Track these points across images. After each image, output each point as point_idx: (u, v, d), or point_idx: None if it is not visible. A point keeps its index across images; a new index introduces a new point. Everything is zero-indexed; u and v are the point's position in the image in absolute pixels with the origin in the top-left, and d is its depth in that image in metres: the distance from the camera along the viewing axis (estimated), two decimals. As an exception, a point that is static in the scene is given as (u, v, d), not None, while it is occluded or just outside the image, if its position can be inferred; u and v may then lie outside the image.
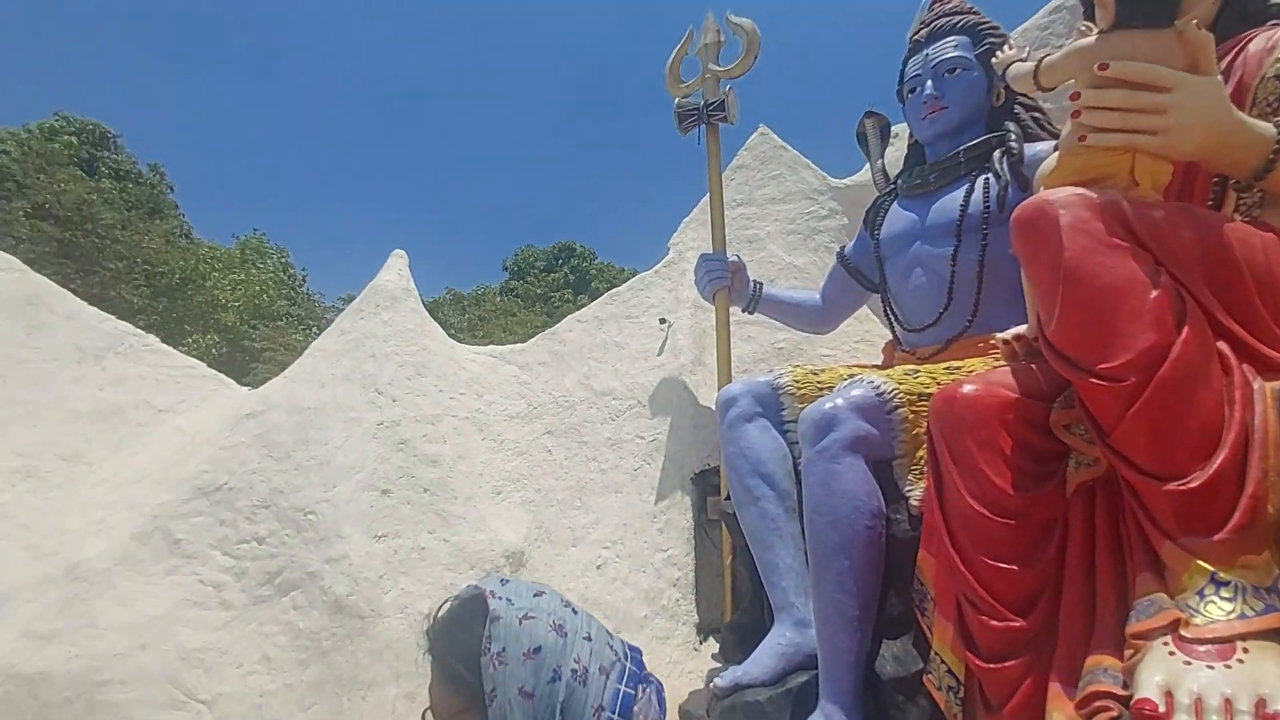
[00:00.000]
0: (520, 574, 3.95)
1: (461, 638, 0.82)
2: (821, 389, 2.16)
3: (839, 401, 1.83)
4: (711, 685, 2.02)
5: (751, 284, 3.44)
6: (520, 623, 0.81)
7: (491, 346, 5.42)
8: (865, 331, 3.99)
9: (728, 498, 2.58)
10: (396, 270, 5.12)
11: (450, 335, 5.35)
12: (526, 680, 0.78)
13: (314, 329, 14.10)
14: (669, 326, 4.46)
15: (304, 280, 15.21)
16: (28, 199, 9.54)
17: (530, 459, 4.44)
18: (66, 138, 11.90)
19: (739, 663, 2.04)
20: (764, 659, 1.99)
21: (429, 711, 0.83)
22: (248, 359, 9.92)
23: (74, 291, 4.88)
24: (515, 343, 5.70)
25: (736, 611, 2.89)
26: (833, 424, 1.80)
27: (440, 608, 0.89)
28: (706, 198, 3.93)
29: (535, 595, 0.87)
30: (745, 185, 4.71)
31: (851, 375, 2.05)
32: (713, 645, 3.31)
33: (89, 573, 3.28)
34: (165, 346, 4.76)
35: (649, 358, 4.40)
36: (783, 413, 2.25)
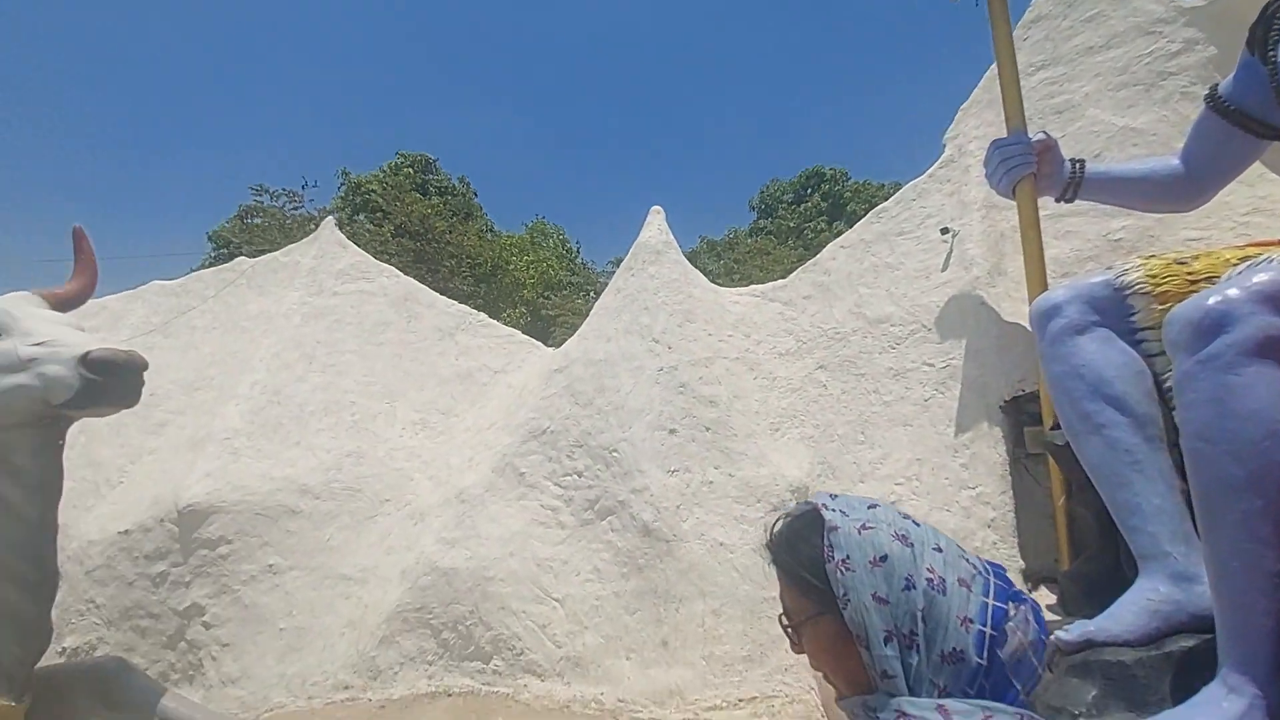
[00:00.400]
0: (807, 508, 4.00)
1: (801, 549, 0.87)
2: (1195, 282, 1.68)
3: (1233, 292, 1.38)
4: (1054, 636, 1.79)
5: (1067, 164, 2.80)
6: (859, 532, 0.82)
7: (753, 286, 5.44)
8: (1260, 199, 2.96)
9: (1055, 427, 2.20)
10: (656, 226, 5.44)
11: (711, 282, 5.53)
12: (879, 587, 0.79)
13: (591, 293, 16.02)
14: (953, 236, 3.92)
15: (578, 252, 17.43)
16: (391, 222, 12.67)
17: (805, 395, 4.40)
18: (406, 170, 15.42)
19: (1088, 616, 1.77)
20: (1128, 615, 1.68)
21: (783, 615, 0.90)
22: (546, 325, 11.79)
23: (429, 287, 6.28)
24: (774, 280, 5.64)
25: (1078, 558, 2.49)
26: (1225, 322, 1.37)
27: (775, 524, 0.95)
28: (989, 74, 3.29)
29: (870, 508, 0.88)
30: (1047, 41, 3.81)
31: (1246, 258, 1.54)
32: (1045, 595, 2.93)
33: (470, 498, 4.29)
34: (493, 321, 5.85)
35: (930, 275, 3.95)
36: (1133, 318, 1.81)
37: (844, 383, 4.12)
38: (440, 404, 5.13)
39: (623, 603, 3.83)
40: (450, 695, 3.79)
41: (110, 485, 4.49)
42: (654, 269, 5.07)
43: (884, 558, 0.79)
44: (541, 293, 12.44)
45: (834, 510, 0.86)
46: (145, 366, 2.88)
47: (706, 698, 3.52)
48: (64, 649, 3.91)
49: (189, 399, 4.86)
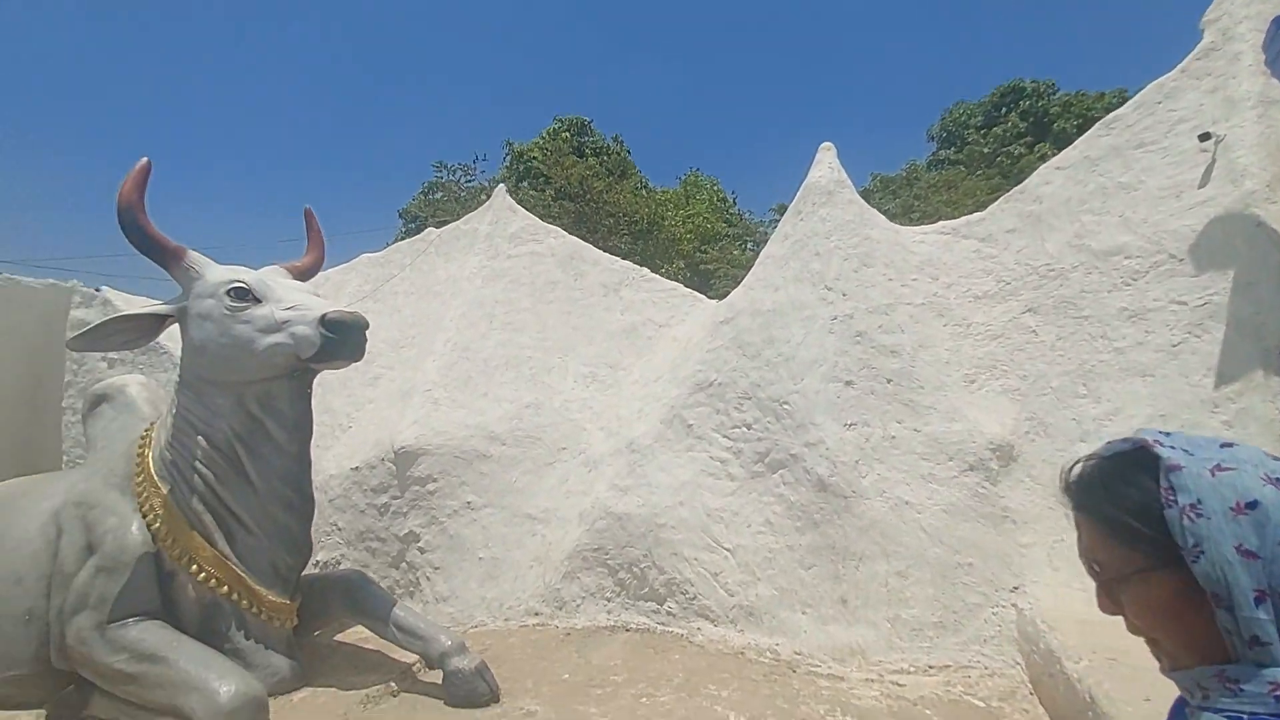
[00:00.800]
0: (1010, 469, 3.59)
1: (1125, 491, 0.74)
2: None
3: None
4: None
5: None
6: (1213, 474, 0.68)
7: (941, 223, 4.90)
8: None
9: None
10: (826, 164, 5.08)
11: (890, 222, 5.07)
12: (1246, 538, 0.65)
13: (749, 244, 15.61)
14: (1216, 143, 3.18)
15: (734, 202, 17.00)
16: (552, 186, 13.32)
17: (1008, 342, 3.91)
18: (563, 134, 16.03)
19: None
20: None
21: (1095, 564, 0.78)
22: (705, 278, 11.76)
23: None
24: (965, 214, 5.02)
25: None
26: None
27: (1075, 466, 0.82)
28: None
29: (1223, 446, 0.72)
30: None
31: None
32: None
33: (640, 448, 4.44)
34: (655, 276, 5.93)
35: (1183, 194, 3.25)
36: None
37: (1059, 327, 3.59)
38: (608, 357, 5.34)
39: (796, 556, 3.77)
40: (628, 630, 4.03)
41: (342, 429, 5.33)
42: (825, 211, 4.76)
43: (1253, 504, 0.64)
44: (698, 246, 12.38)
45: (1173, 448, 0.71)
46: (367, 325, 3.32)
47: (891, 660, 3.38)
48: (316, 562, 4.77)
49: (396, 355, 5.56)
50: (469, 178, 15.74)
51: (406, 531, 4.57)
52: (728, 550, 4.00)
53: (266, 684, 3.03)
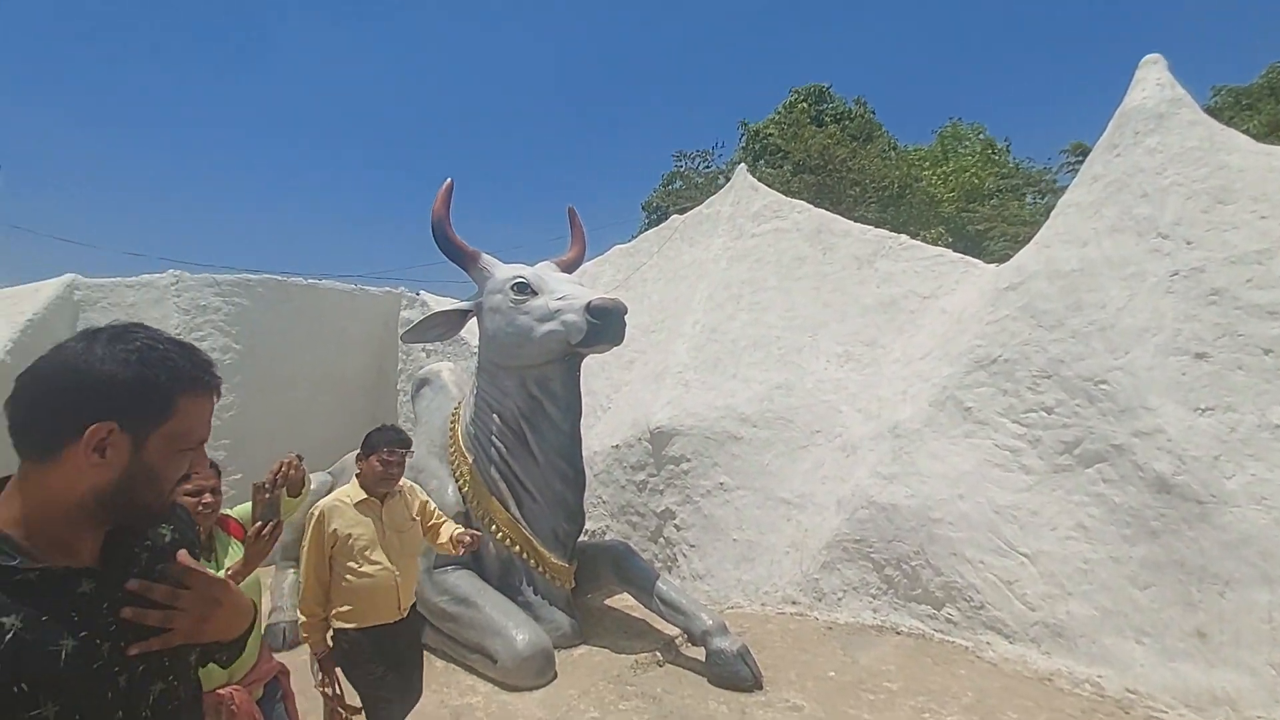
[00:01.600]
0: None
1: None
2: None
3: None
4: None
5: None
6: None
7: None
8: None
9: None
10: (1153, 82, 4.03)
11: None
12: None
13: (1030, 195, 13.25)
14: None
15: (1008, 150, 14.53)
16: (790, 161, 12.92)
17: None
18: (800, 105, 15.42)
19: None
20: None
21: None
22: (975, 241, 10.29)
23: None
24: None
25: None
26: None
27: None
28: None
29: None
30: None
31: None
32: None
33: (906, 432, 4.05)
34: (916, 242, 5.35)
35: None
36: None
37: None
38: (864, 335, 4.98)
39: (1126, 571, 3.07)
40: (899, 633, 3.72)
41: (603, 409, 5.83)
42: (1154, 140, 3.79)
43: None
44: (963, 206, 10.85)
45: None
46: (626, 310, 3.56)
47: (1276, 717, 2.57)
48: (585, 531, 5.31)
49: (648, 340, 5.89)
50: (706, 164, 16.08)
51: (663, 508, 4.83)
52: (1024, 556, 3.43)
53: (551, 637, 3.44)
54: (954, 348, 4.18)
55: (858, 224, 5.71)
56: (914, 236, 5.90)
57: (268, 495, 1.81)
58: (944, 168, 11.63)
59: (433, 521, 2.57)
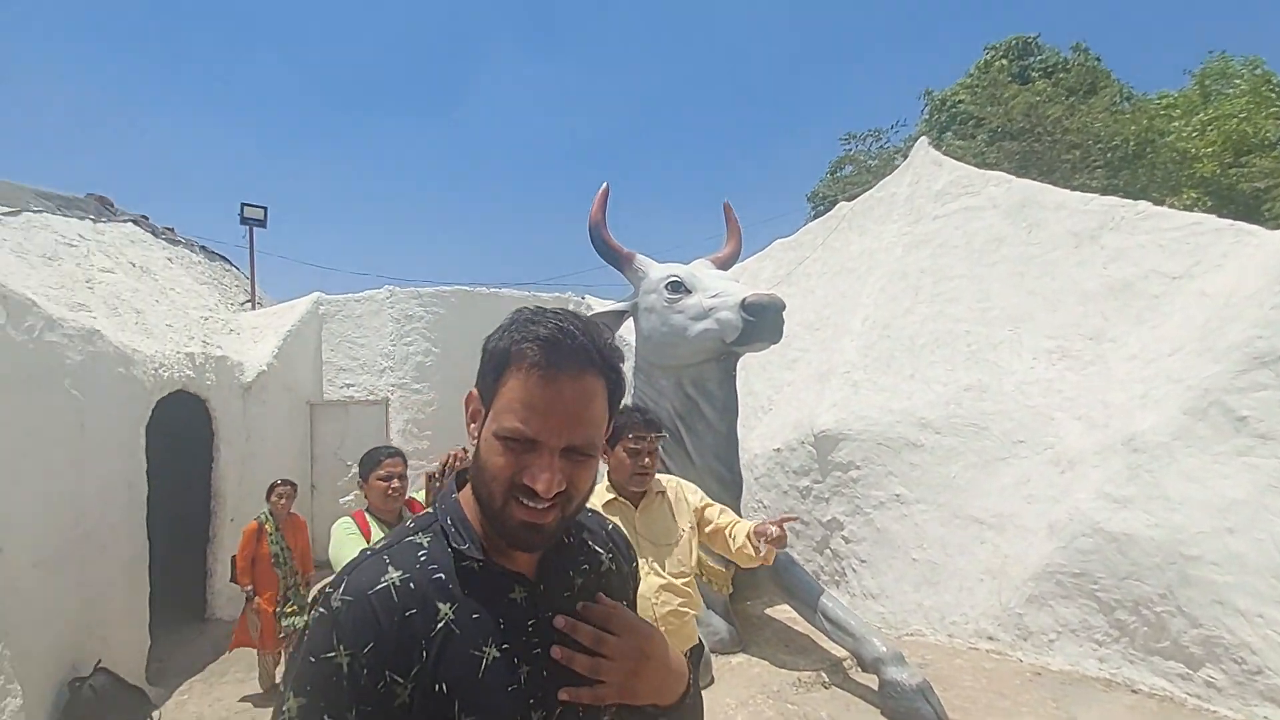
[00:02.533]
0: None
1: None
2: None
3: None
4: None
5: None
6: None
7: None
8: None
9: None
10: None
11: None
12: None
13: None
14: None
15: (1294, 86, 10.97)
16: (985, 129, 11.22)
17: None
18: (998, 63, 13.32)
19: None
20: None
21: None
22: (1245, 206, 8.00)
23: (1049, 185, 5.09)
24: None
25: None
26: None
27: None
28: None
29: None
30: None
31: None
32: None
33: (1147, 446, 3.22)
34: (1161, 209, 4.27)
35: None
36: None
37: None
38: (1084, 326, 4.08)
39: None
40: (1135, 692, 2.96)
41: (764, 410, 5.51)
42: None
43: None
44: (1228, 163, 8.44)
45: None
46: (784, 306, 3.26)
47: None
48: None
49: (812, 337, 5.44)
50: (880, 143, 14.66)
51: (830, 518, 4.41)
52: (1335, 617, 2.52)
53: (708, 642, 3.27)
54: (1220, 340, 3.23)
55: (1078, 194, 4.72)
56: (1158, 204, 4.72)
57: (439, 484, 1.86)
58: (1203, 115, 9.19)
59: (718, 524, 1.96)
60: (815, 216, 15.25)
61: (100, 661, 3.43)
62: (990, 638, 3.47)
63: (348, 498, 6.35)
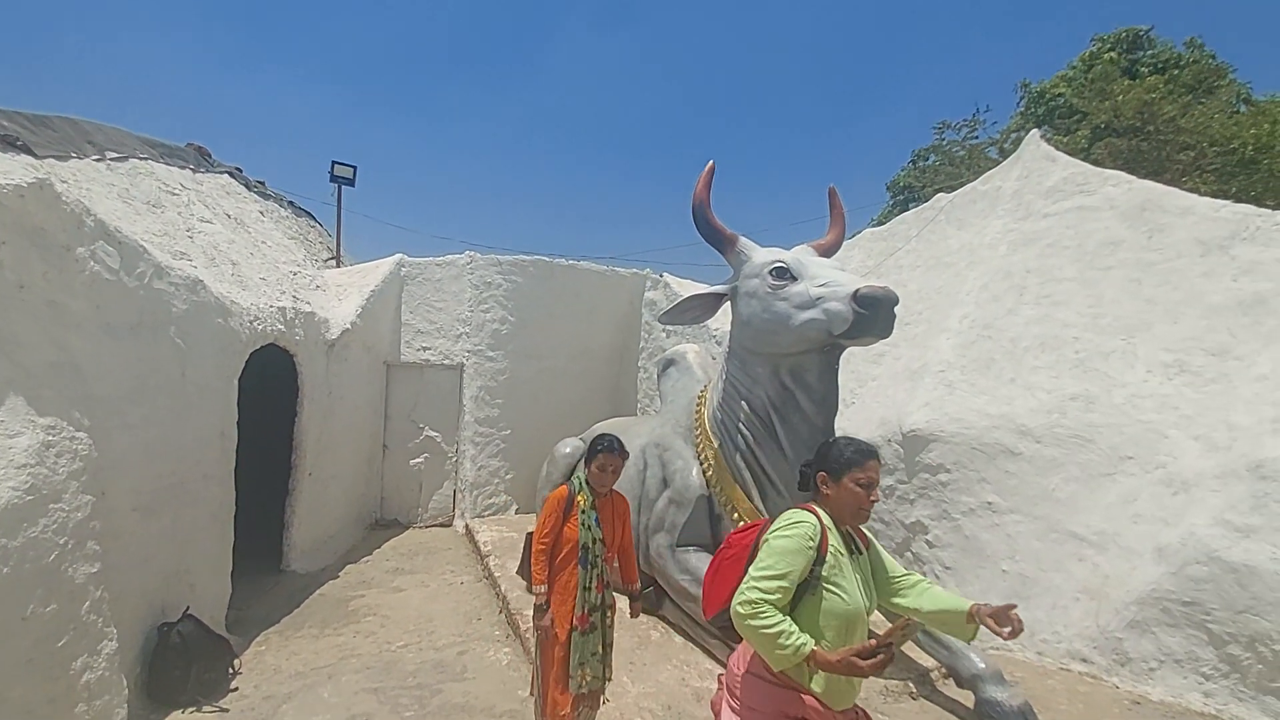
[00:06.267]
0: None
1: None
2: None
3: None
4: None
5: None
6: None
7: None
8: None
9: None
10: None
11: None
12: None
13: None
14: None
15: None
16: (1087, 124, 10.65)
17: None
18: (1106, 55, 12.58)
19: None
20: None
21: None
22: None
23: (1173, 187, 4.83)
24: None
25: None
26: None
27: None
28: None
29: None
30: None
31: None
32: None
33: (1277, 474, 3.07)
34: (1302, 218, 4.01)
35: None
36: None
37: None
38: (1207, 341, 3.89)
39: None
40: (1243, 731, 2.87)
41: (846, 404, 5.40)
42: None
43: None
44: None
45: None
46: (898, 301, 3.18)
47: None
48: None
49: (901, 333, 5.31)
50: (972, 134, 14.08)
51: (913, 520, 4.35)
52: None
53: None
54: (1372, 367, 3.04)
55: (1207, 199, 4.47)
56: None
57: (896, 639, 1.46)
58: (1331, 122, 8.52)
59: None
60: (896, 206, 14.82)
61: (189, 608, 3.49)
62: (1084, 659, 3.40)
63: (418, 460, 6.61)
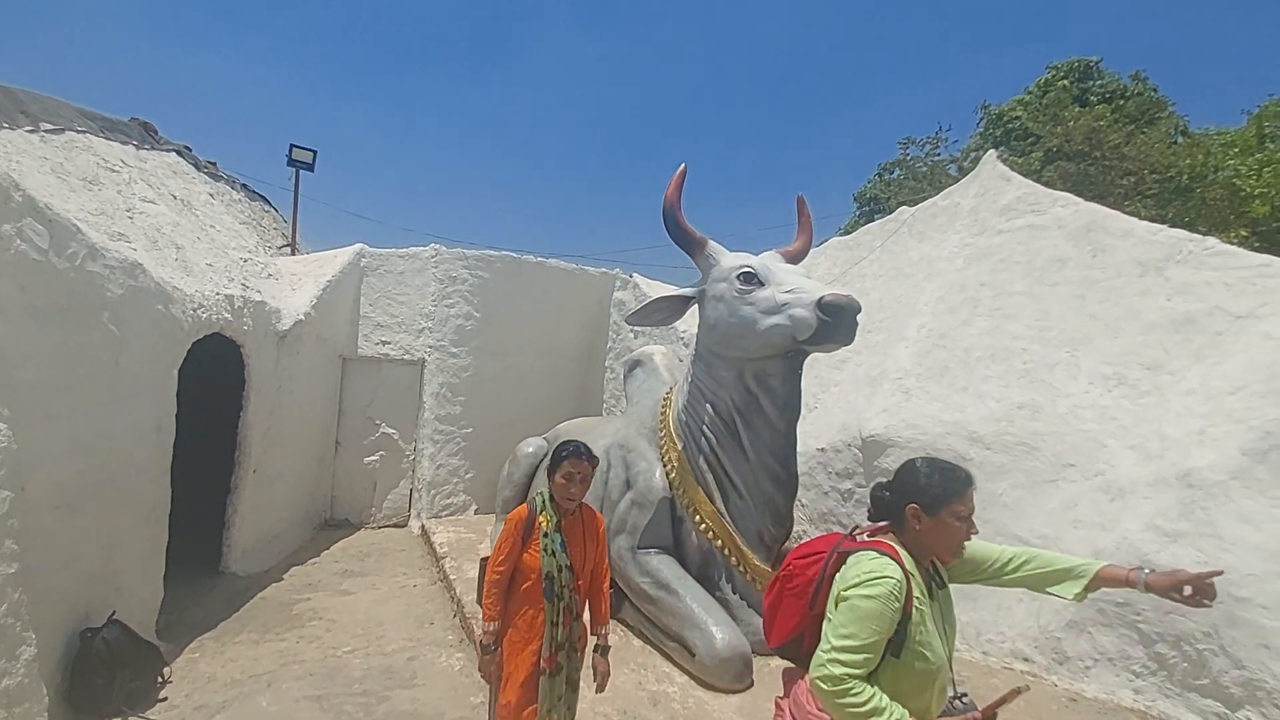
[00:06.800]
0: None
1: None
2: None
3: None
4: None
5: None
6: None
7: None
8: None
9: None
10: None
11: None
12: None
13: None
14: None
15: (1360, 132, 10.94)
16: (1041, 147, 11.20)
17: None
18: (1059, 83, 13.27)
19: None
20: None
21: None
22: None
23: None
24: None
25: None
26: None
27: None
28: None
29: None
30: None
31: None
32: None
33: (1203, 483, 3.29)
34: (1229, 247, 4.31)
35: None
36: None
37: None
38: (1144, 356, 4.13)
39: None
40: (1169, 727, 3.06)
41: (808, 409, 5.55)
42: None
43: None
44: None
45: None
46: (860, 309, 3.29)
47: None
48: (796, 534, 5.12)
49: (863, 340, 5.43)
50: (935, 151, 14.62)
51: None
52: (1387, 670, 2.60)
53: (750, 641, 3.34)
54: (1288, 384, 3.29)
55: (1145, 223, 4.75)
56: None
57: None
58: (1258, 156, 9.20)
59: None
60: (862, 216, 15.24)
61: (114, 613, 3.28)
62: (1026, 658, 3.56)
63: (373, 458, 6.45)
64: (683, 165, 3.78)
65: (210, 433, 5.23)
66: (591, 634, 2.40)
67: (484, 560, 2.85)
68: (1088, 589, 1.57)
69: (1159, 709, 3.14)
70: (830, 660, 1.36)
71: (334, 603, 4.60)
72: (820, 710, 1.46)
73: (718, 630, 3.18)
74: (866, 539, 1.56)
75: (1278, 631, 2.89)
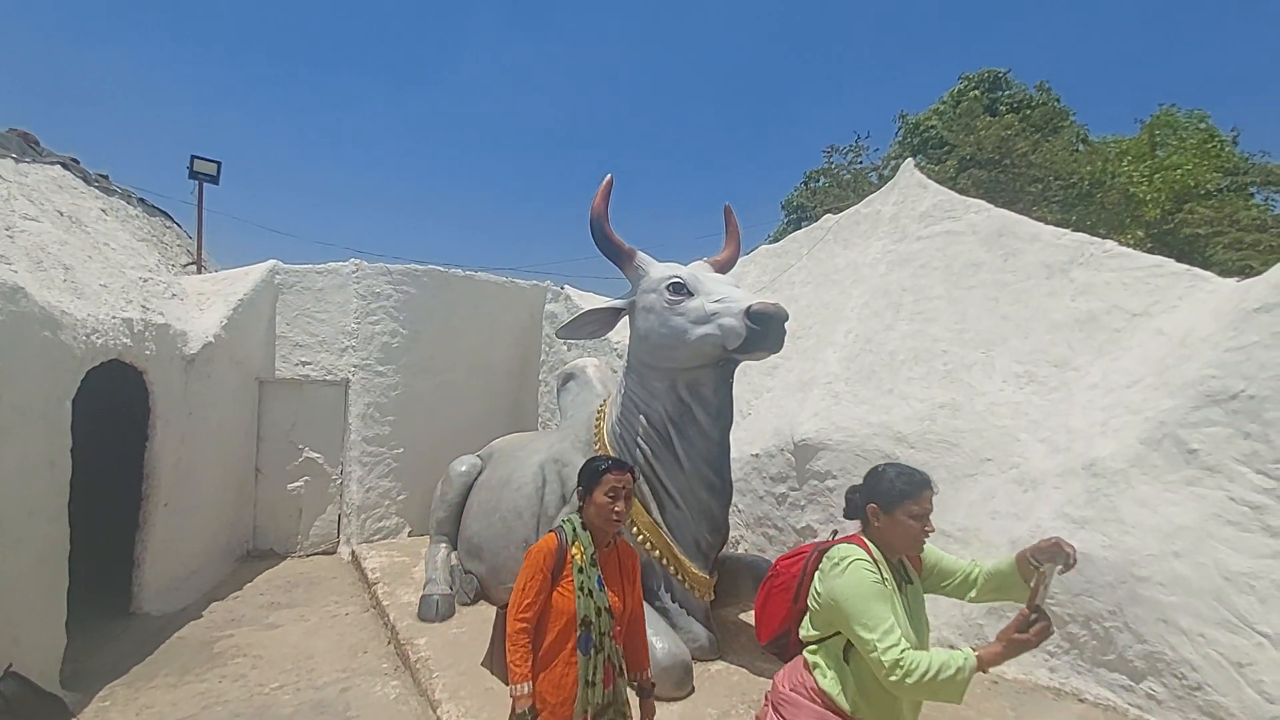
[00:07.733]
0: None
1: None
2: None
3: None
4: None
5: None
6: None
7: None
8: None
9: None
10: None
11: None
12: None
13: (1259, 194, 11.11)
14: None
15: (1235, 141, 12.18)
16: (955, 155, 11.91)
17: None
18: (971, 94, 14.15)
19: None
20: None
21: None
22: (1188, 249, 8.84)
23: (1022, 216, 5.48)
24: None
25: None
26: None
27: None
28: None
29: None
30: None
31: None
32: None
33: (1106, 472, 3.55)
34: (1126, 250, 4.68)
35: None
36: None
37: None
38: (1051, 354, 4.44)
39: None
40: (1081, 701, 3.29)
41: (742, 415, 5.69)
42: None
43: None
44: (1171, 209, 9.32)
45: None
46: (787, 318, 3.40)
47: None
48: (733, 539, 5.22)
49: (793, 345, 5.65)
50: (857, 159, 15.28)
51: (804, 525, 4.63)
52: (1263, 636, 2.88)
53: (689, 648, 3.39)
54: (1176, 377, 3.60)
55: (1051, 227, 5.11)
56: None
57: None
58: (1149, 163, 10.08)
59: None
60: (790, 224, 15.74)
61: (11, 665, 3.09)
62: (952, 645, 3.74)
63: (297, 483, 6.17)
64: (609, 176, 3.81)
65: (116, 466, 4.90)
66: (630, 682, 2.05)
67: (500, 610, 2.62)
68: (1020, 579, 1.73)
69: (1072, 685, 3.37)
70: (879, 658, 1.45)
71: (259, 637, 4.38)
72: (793, 691, 1.63)
73: (658, 640, 3.21)
74: (842, 539, 1.76)
75: (1176, 607, 3.15)
